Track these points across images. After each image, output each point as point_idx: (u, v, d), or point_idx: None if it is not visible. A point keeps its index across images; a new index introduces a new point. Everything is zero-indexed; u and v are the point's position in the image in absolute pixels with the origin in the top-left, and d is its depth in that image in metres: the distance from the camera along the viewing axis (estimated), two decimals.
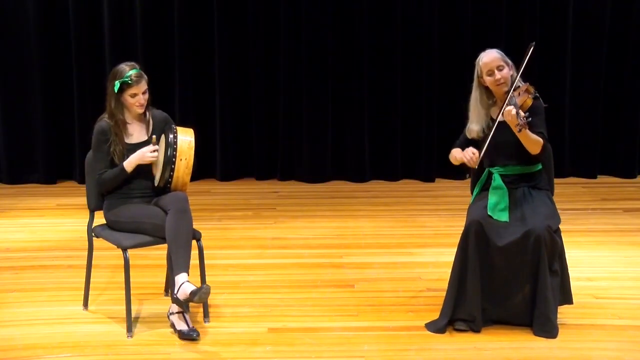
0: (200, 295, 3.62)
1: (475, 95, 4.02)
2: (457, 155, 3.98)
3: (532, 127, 3.78)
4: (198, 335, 3.81)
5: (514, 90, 3.85)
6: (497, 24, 7.12)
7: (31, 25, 7.06)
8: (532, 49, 3.85)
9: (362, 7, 7.09)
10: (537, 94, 3.92)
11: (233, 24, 7.14)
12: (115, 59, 6.82)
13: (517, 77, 3.90)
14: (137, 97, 3.92)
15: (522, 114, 3.70)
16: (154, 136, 3.96)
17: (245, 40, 7.18)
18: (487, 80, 3.93)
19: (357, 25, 7.13)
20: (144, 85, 3.93)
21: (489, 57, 3.94)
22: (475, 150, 3.90)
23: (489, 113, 4.01)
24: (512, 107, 3.73)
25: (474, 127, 4.01)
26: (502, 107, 3.85)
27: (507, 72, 3.92)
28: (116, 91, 3.89)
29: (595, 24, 7.17)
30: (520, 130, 3.72)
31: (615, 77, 7.30)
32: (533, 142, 3.81)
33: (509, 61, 3.95)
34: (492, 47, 7.24)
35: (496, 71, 3.90)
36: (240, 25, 7.15)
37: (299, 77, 7.19)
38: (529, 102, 3.86)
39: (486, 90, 3.99)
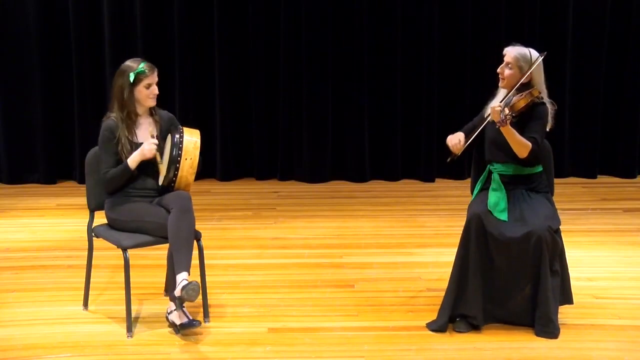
0: (187, 290, 3.64)
1: None
2: (450, 136, 3.99)
3: (524, 131, 3.81)
4: (199, 323, 3.81)
5: (516, 91, 3.86)
6: (497, 24, 7.12)
7: (31, 25, 7.06)
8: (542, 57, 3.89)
9: (362, 7, 7.09)
10: (543, 100, 3.91)
11: (233, 24, 7.14)
12: (115, 59, 6.84)
13: (533, 85, 3.88)
14: (152, 88, 3.97)
15: (506, 111, 3.73)
16: (154, 132, 3.99)
17: (245, 40, 7.18)
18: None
19: (357, 25, 7.13)
20: (156, 76, 4.00)
21: (509, 49, 3.96)
22: (462, 138, 3.94)
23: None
24: (499, 103, 3.79)
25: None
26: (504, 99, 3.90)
27: (510, 73, 3.91)
28: (132, 81, 3.91)
29: (595, 24, 7.18)
30: (498, 127, 3.76)
31: (615, 77, 7.30)
32: (518, 143, 3.81)
33: (525, 67, 3.88)
34: (491, 46, 7.28)
35: (504, 64, 3.93)
36: (240, 25, 7.15)
37: (299, 77, 7.19)
38: (522, 104, 3.84)
39: None
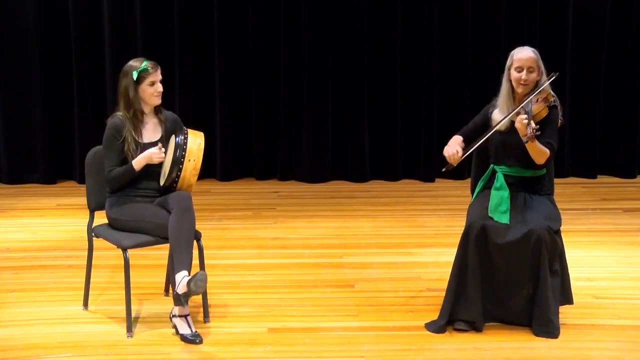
0: (196, 281, 3.62)
1: (506, 87, 3.95)
2: (447, 147, 3.94)
3: (541, 137, 3.76)
4: (201, 341, 3.80)
5: (533, 94, 3.83)
6: (497, 24, 7.12)
7: (31, 25, 7.06)
8: (553, 78, 3.87)
9: (362, 7, 7.09)
10: (556, 103, 3.89)
11: (233, 24, 7.14)
12: (115, 59, 6.85)
13: (543, 82, 3.86)
14: (156, 86, 3.97)
15: (533, 125, 3.67)
16: (159, 144, 3.98)
17: (245, 40, 7.18)
18: (513, 75, 3.90)
19: (357, 25, 7.13)
20: (159, 74, 4.00)
21: (524, 54, 3.89)
22: (460, 149, 3.89)
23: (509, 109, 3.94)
24: (526, 115, 3.71)
25: (499, 118, 3.94)
26: (516, 107, 3.84)
27: (534, 76, 3.87)
28: (135, 79, 3.91)
29: (595, 24, 7.17)
30: (526, 142, 3.71)
31: (615, 77, 7.30)
32: (539, 152, 3.80)
33: (542, 66, 3.89)
34: (492, 46, 7.28)
35: (525, 71, 3.86)
36: (240, 25, 7.15)
37: (299, 77, 7.19)
38: (544, 113, 3.83)
39: (511, 83, 3.95)
